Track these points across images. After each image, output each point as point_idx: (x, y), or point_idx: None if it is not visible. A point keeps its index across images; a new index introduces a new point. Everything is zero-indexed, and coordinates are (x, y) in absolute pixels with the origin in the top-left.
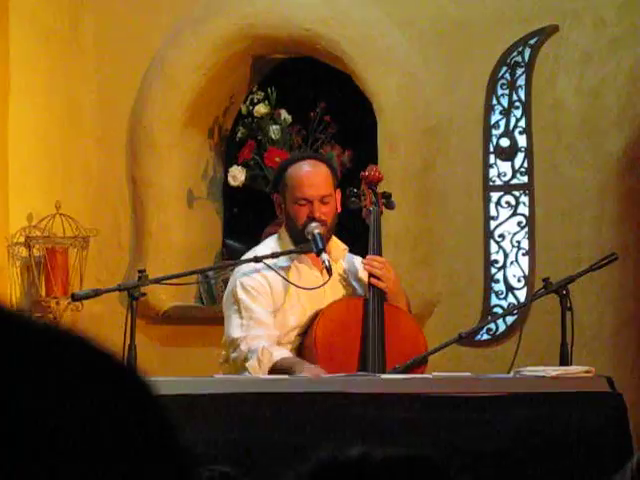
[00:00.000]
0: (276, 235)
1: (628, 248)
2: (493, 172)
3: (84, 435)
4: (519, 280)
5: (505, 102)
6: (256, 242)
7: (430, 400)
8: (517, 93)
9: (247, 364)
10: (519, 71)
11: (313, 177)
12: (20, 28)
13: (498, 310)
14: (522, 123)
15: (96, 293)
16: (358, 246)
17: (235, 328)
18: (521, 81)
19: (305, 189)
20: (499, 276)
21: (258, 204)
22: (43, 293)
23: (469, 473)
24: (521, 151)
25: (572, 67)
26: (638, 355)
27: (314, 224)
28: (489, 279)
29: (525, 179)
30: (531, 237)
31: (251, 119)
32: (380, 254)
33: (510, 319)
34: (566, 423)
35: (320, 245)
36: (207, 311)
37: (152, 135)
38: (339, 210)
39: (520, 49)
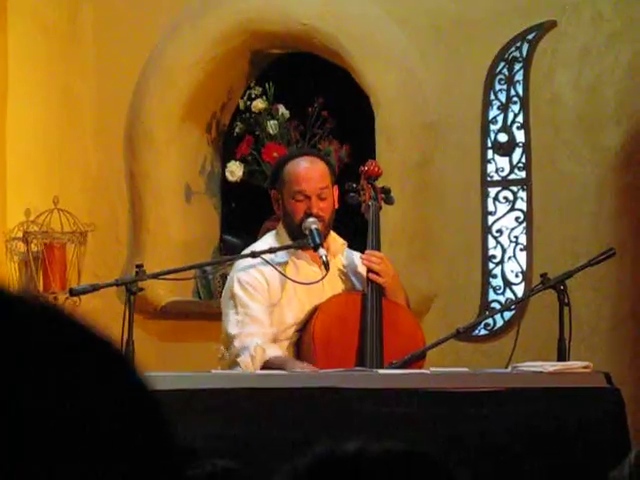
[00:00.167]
0: (274, 231)
1: (626, 243)
2: (491, 167)
3: (83, 433)
4: (517, 275)
5: (503, 97)
6: (254, 237)
7: (428, 395)
8: (515, 88)
9: (239, 359)
10: (517, 66)
11: (311, 173)
12: (19, 22)
13: (496, 305)
14: (520, 118)
15: (94, 288)
16: (357, 241)
17: (231, 324)
18: (519, 76)
19: (302, 184)
20: (497, 271)
21: (256, 199)
22: (41, 288)
23: (467, 468)
24: (519, 146)
25: (570, 62)
26: (636, 350)
27: (311, 219)
28: (487, 274)
29: (523, 174)
30: (529, 232)
31: (249, 114)
32: (379, 249)
33: (508, 314)
34: (564, 418)
35: (317, 240)
36: (205, 306)
37: (150, 130)
38: (337, 206)
39: (518, 44)
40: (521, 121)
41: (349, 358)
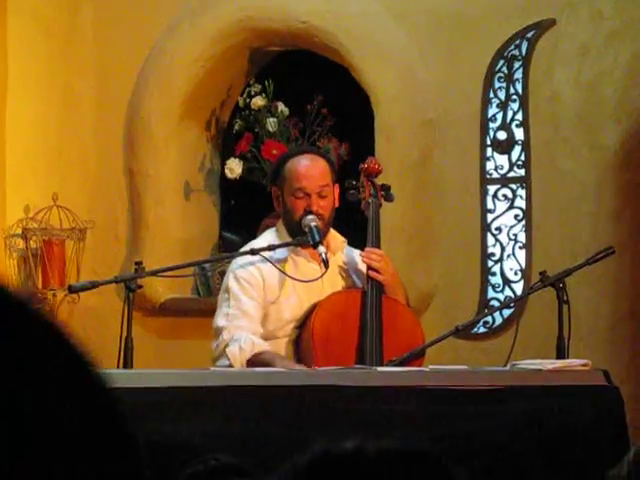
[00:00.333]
0: (274, 228)
1: (625, 241)
2: (490, 165)
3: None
4: (516, 273)
5: (502, 95)
6: (253, 235)
7: (427, 393)
8: (514, 86)
9: (227, 350)
10: (516, 64)
11: (312, 170)
12: (19, 19)
13: (495, 303)
14: (519, 116)
15: (93, 285)
16: (356, 238)
17: (221, 317)
18: (518, 74)
19: (303, 182)
20: (496, 269)
21: (255, 197)
22: (40, 285)
23: (466, 466)
24: (518, 144)
25: (569, 60)
26: (634, 348)
27: (311, 217)
28: (486, 272)
29: (522, 172)
30: (528, 230)
31: (248, 111)
32: (379, 246)
33: (507, 312)
34: (563, 416)
35: (317, 238)
36: (204, 303)
37: (149, 127)
38: (337, 205)
39: (517, 42)
40: (520, 119)
41: (348, 355)
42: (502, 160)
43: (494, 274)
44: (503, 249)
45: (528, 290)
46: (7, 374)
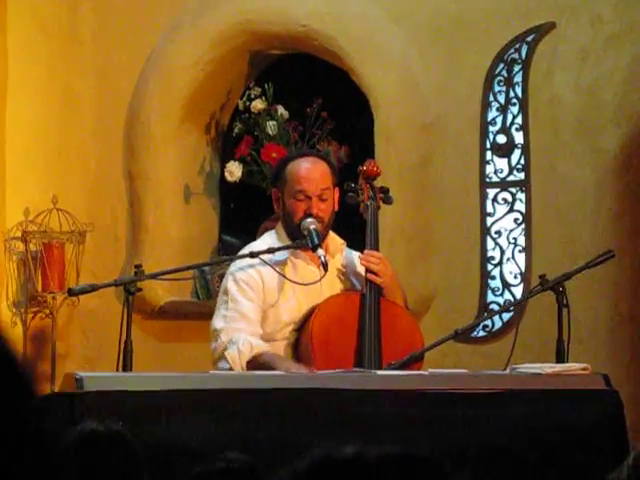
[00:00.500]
0: (273, 231)
1: (624, 245)
2: (490, 169)
3: None
4: (515, 277)
5: (502, 99)
6: (252, 237)
7: (426, 397)
8: (514, 90)
9: (226, 352)
10: (516, 68)
11: (312, 173)
12: (19, 20)
13: (494, 307)
14: (519, 120)
15: (92, 288)
16: (355, 241)
17: (219, 319)
18: (518, 78)
19: (304, 184)
20: (495, 273)
21: (255, 200)
22: (39, 288)
23: (465, 470)
24: (518, 148)
25: (569, 64)
26: (634, 352)
27: (310, 220)
28: (485, 276)
29: (522, 176)
30: (527, 234)
31: (248, 115)
32: (377, 249)
33: (506, 316)
34: (562, 420)
35: (316, 241)
36: (203, 306)
37: (149, 130)
38: (337, 209)
39: (517, 46)
40: (520, 123)
41: (347, 358)
42: (502, 164)
43: (494, 278)
44: (503, 252)
45: (528, 294)
46: None
